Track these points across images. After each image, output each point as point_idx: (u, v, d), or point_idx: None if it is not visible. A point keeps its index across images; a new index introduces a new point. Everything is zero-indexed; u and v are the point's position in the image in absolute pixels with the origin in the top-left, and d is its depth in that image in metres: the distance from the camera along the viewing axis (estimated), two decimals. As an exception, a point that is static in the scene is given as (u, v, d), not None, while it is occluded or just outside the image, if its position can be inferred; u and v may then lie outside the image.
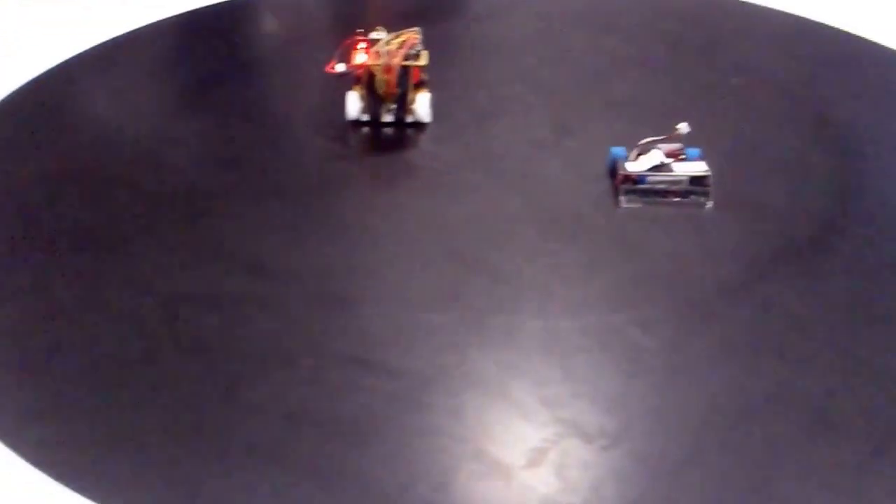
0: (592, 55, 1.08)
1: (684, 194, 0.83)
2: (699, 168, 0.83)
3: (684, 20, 1.18)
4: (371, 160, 0.91)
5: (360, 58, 0.89)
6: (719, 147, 0.88)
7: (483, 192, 0.85)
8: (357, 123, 0.93)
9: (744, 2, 1.24)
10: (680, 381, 0.65)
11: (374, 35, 0.90)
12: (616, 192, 0.83)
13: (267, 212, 0.82)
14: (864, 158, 0.90)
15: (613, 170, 0.84)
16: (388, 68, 0.88)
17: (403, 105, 0.92)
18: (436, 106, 0.93)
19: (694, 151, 0.84)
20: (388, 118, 0.93)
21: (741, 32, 1.17)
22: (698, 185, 0.82)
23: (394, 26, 0.91)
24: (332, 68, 0.90)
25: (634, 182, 0.83)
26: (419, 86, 0.91)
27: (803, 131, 0.94)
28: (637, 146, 0.84)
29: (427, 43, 0.91)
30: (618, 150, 0.85)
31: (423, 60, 0.90)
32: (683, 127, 0.83)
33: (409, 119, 0.93)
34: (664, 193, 0.83)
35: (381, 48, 0.88)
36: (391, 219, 0.81)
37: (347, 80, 0.92)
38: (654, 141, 0.84)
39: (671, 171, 0.83)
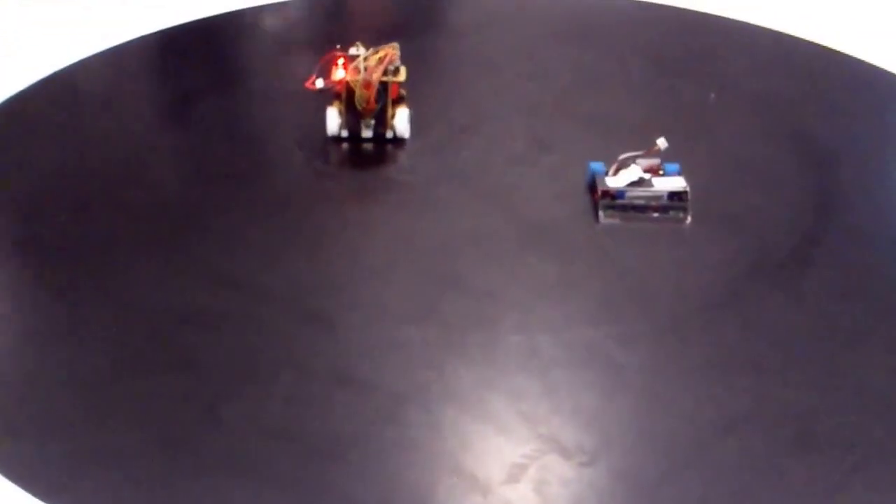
0: (571, 70, 1.08)
1: (663, 209, 0.83)
2: (678, 183, 0.83)
3: (663, 36, 1.18)
4: (350, 176, 0.91)
5: (339, 74, 0.89)
6: (698, 162, 0.88)
7: (462, 208, 0.84)
8: (337, 139, 0.92)
9: (722, 17, 1.25)
10: (659, 397, 0.65)
11: (352, 51, 0.90)
12: (595, 208, 0.83)
13: (247, 227, 0.81)
14: (842, 173, 0.91)
15: (592, 185, 0.84)
16: (367, 84, 0.88)
17: (383, 121, 0.91)
18: (415, 121, 0.93)
19: (672, 167, 0.84)
20: (367, 134, 0.92)
21: (720, 48, 1.18)
22: (677, 200, 0.83)
23: (372, 42, 0.91)
24: (312, 84, 0.90)
25: (613, 197, 0.83)
26: (398, 101, 0.91)
27: (781, 146, 0.95)
28: (616, 161, 0.84)
29: (406, 58, 0.91)
30: (596, 166, 0.85)
31: (402, 76, 0.90)
32: (662, 142, 0.83)
33: (389, 135, 0.92)
34: (643, 209, 0.83)
35: (360, 64, 0.88)
36: (370, 234, 0.81)
37: (327, 96, 0.91)
38: (632, 156, 0.84)
39: (650, 186, 0.83)
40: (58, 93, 1.03)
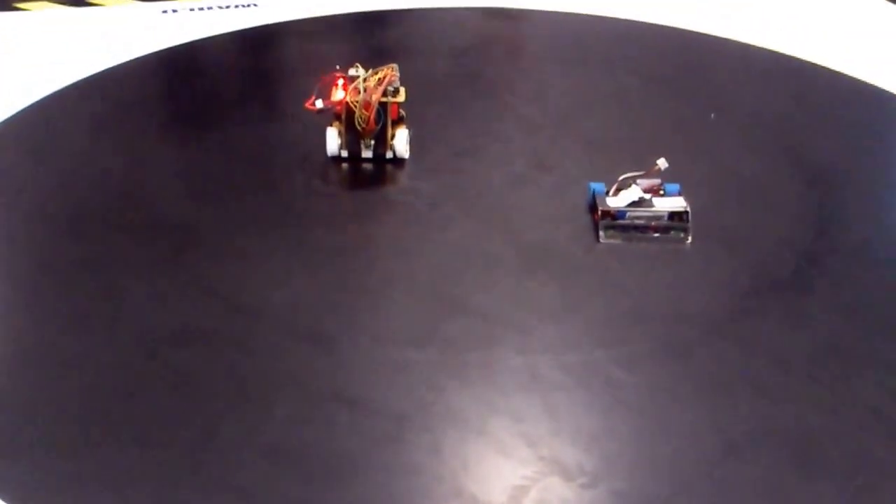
0: (569, 90, 1.09)
1: (664, 230, 0.83)
2: (678, 203, 0.83)
3: (661, 56, 1.19)
4: (350, 196, 0.91)
5: (339, 94, 0.89)
6: (698, 181, 0.88)
7: (462, 228, 0.84)
8: (337, 159, 0.93)
9: (720, 37, 1.25)
10: (661, 419, 0.65)
11: (352, 72, 0.90)
12: (596, 228, 0.83)
13: (246, 247, 0.81)
14: (842, 192, 0.91)
15: (593, 205, 0.84)
16: (366, 105, 0.88)
17: (382, 141, 0.92)
18: (414, 142, 0.93)
19: (673, 187, 0.84)
20: (367, 154, 0.93)
21: (718, 67, 1.18)
22: (677, 220, 0.83)
23: (372, 63, 0.91)
24: (312, 105, 0.90)
25: (614, 217, 0.83)
26: (398, 122, 0.92)
27: (781, 165, 0.95)
28: (616, 182, 0.84)
29: (405, 79, 0.91)
30: (597, 186, 0.85)
31: (402, 97, 0.90)
32: (662, 162, 0.83)
33: (389, 155, 0.93)
34: (644, 229, 0.83)
35: (360, 85, 0.88)
36: (370, 255, 0.81)
37: (327, 117, 0.92)
38: (633, 176, 0.84)
39: (651, 206, 0.83)
40: (55, 114, 1.03)
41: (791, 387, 0.67)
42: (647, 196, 0.83)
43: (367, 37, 1.29)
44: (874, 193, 0.92)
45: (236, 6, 1.35)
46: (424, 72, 1.14)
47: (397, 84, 0.90)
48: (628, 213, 0.83)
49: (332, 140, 0.92)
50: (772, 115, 1.05)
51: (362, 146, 0.92)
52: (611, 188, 0.84)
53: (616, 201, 0.83)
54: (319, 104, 0.90)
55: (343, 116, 0.90)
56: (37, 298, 0.75)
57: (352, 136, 0.91)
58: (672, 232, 0.83)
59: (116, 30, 1.26)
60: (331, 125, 0.92)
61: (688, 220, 0.82)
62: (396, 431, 0.63)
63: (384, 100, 0.89)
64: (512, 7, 1.37)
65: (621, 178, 0.84)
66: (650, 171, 0.84)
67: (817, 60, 1.18)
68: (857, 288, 0.78)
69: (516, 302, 0.75)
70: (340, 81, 0.89)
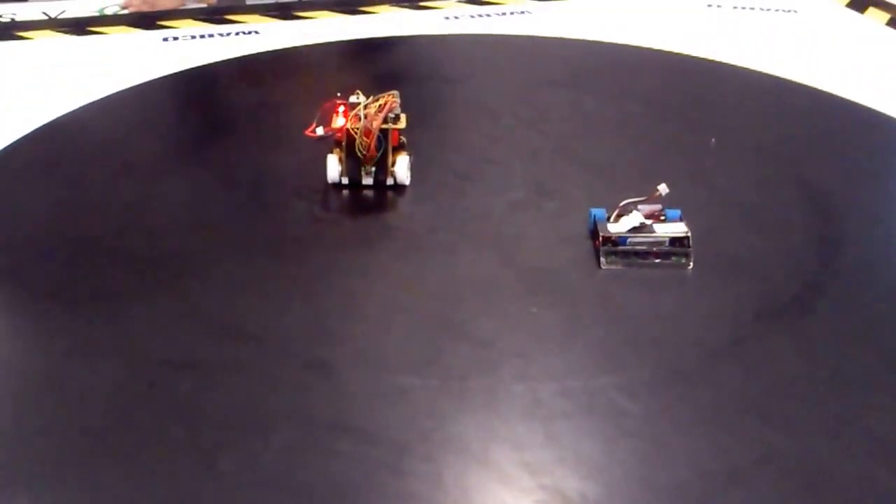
0: (570, 116, 1.09)
1: (665, 255, 0.83)
2: (679, 229, 0.83)
3: (662, 81, 1.19)
4: (350, 223, 0.90)
5: (340, 121, 0.89)
6: (699, 207, 0.88)
7: (462, 255, 0.84)
8: (337, 186, 0.93)
9: (720, 62, 1.26)
10: (664, 446, 0.64)
11: (352, 99, 0.91)
12: (597, 253, 0.83)
13: (246, 274, 0.81)
14: (843, 217, 0.90)
15: (594, 231, 0.84)
16: (367, 131, 0.88)
17: (383, 168, 0.92)
18: (414, 168, 0.93)
19: (674, 212, 0.84)
20: (367, 181, 0.93)
21: (719, 93, 1.18)
22: (679, 245, 0.82)
23: (372, 90, 0.91)
24: (312, 132, 0.90)
25: (615, 243, 0.82)
26: (398, 148, 0.92)
27: (782, 190, 0.95)
28: (617, 207, 0.84)
29: (405, 105, 0.91)
30: (598, 212, 0.85)
31: (402, 123, 0.90)
32: (663, 188, 0.83)
33: (389, 181, 0.93)
34: (645, 255, 0.82)
35: (360, 111, 0.89)
36: (370, 281, 0.81)
37: (328, 144, 0.92)
38: (634, 202, 0.84)
39: (652, 231, 0.83)
40: (56, 141, 1.03)
41: (795, 413, 0.67)
42: (649, 222, 0.83)
43: (365, 64, 1.30)
44: (876, 218, 0.91)
45: (237, 33, 1.36)
46: (424, 98, 1.14)
47: (398, 111, 0.90)
48: (629, 239, 0.82)
49: (333, 167, 0.92)
50: (773, 140, 1.05)
51: (363, 173, 0.92)
52: (612, 213, 0.84)
53: (617, 227, 0.83)
54: (320, 131, 0.90)
55: (344, 143, 0.90)
56: (36, 327, 0.75)
57: (352, 163, 0.91)
58: (673, 258, 0.82)
59: (118, 57, 1.27)
60: (331, 152, 0.92)
61: (689, 246, 0.82)
62: (397, 461, 0.62)
63: (385, 126, 0.89)
64: (511, 34, 1.37)
65: (622, 203, 0.84)
66: (651, 197, 0.83)
67: (819, 85, 1.18)
68: (860, 313, 0.77)
69: (517, 328, 0.75)
70: (341, 108, 0.90)
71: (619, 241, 0.82)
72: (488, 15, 1.46)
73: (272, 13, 1.45)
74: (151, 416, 0.66)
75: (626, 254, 0.82)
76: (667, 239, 0.82)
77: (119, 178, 0.95)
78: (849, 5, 1.49)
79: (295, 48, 1.31)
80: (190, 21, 1.41)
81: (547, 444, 0.64)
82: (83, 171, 0.97)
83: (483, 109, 1.11)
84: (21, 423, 0.65)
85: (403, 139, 0.91)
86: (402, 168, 0.92)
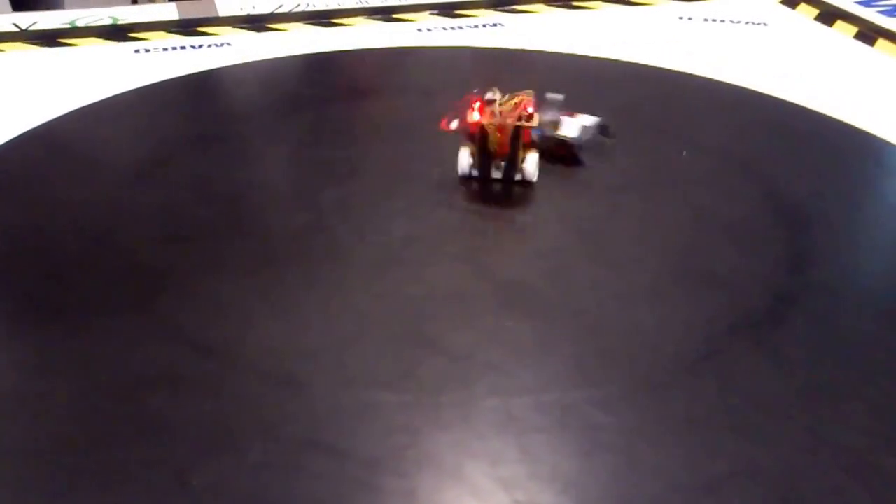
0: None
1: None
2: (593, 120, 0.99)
3: (634, 94, 1.20)
4: (324, 238, 0.90)
5: (475, 116, 0.91)
6: (673, 220, 0.88)
7: (436, 268, 0.84)
8: (467, 178, 0.96)
9: (692, 75, 1.27)
10: (638, 460, 0.64)
11: (489, 95, 0.93)
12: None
13: (218, 290, 0.80)
14: (815, 230, 0.91)
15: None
16: (501, 128, 0.91)
17: (513, 164, 0.94)
18: (390, 181, 0.93)
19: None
20: (496, 175, 0.95)
21: (690, 105, 1.19)
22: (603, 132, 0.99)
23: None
24: (447, 126, 0.93)
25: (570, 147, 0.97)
26: (529, 146, 0.94)
27: (755, 204, 0.95)
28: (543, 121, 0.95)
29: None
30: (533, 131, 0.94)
31: (535, 122, 0.93)
32: (554, 96, 0.96)
33: (518, 177, 0.95)
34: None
35: (496, 108, 0.91)
36: (343, 296, 0.80)
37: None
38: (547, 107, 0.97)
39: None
40: (28, 154, 1.02)
41: (768, 426, 0.67)
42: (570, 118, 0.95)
43: (338, 76, 1.30)
44: (846, 230, 0.92)
45: (209, 45, 1.35)
46: (397, 110, 1.14)
47: (531, 110, 0.93)
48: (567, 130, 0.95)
49: (465, 159, 0.94)
50: (744, 152, 1.05)
51: (493, 167, 0.94)
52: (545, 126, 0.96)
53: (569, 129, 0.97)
54: (454, 125, 0.92)
55: (477, 138, 0.92)
56: (8, 342, 0.74)
57: (483, 158, 0.94)
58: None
59: (89, 69, 1.26)
60: (463, 146, 0.94)
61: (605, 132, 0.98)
62: (370, 477, 0.62)
63: (518, 124, 0.91)
64: (484, 46, 1.38)
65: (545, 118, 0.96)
66: (546, 103, 0.97)
67: (788, 98, 1.19)
68: (832, 325, 0.78)
69: (492, 342, 0.74)
70: (476, 104, 0.92)
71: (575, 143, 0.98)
72: (461, 27, 1.46)
73: (244, 25, 1.44)
74: (121, 433, 0.65)
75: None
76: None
77: (91, 191, 0.94)
78: (817, 18, 1.51)
79: (267, 60, 1.31)
80: (162, 33, 1.40)
81: (521, 458, 0.63)
82: (54, 185, 0.96)
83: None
84: (-13, 441, 0.64)
85: (535, 137, 0.94)
86: (531, 164, 0.94)
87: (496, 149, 0.92)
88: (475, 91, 0.93)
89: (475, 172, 0.95)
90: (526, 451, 0.64)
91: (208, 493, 0.60)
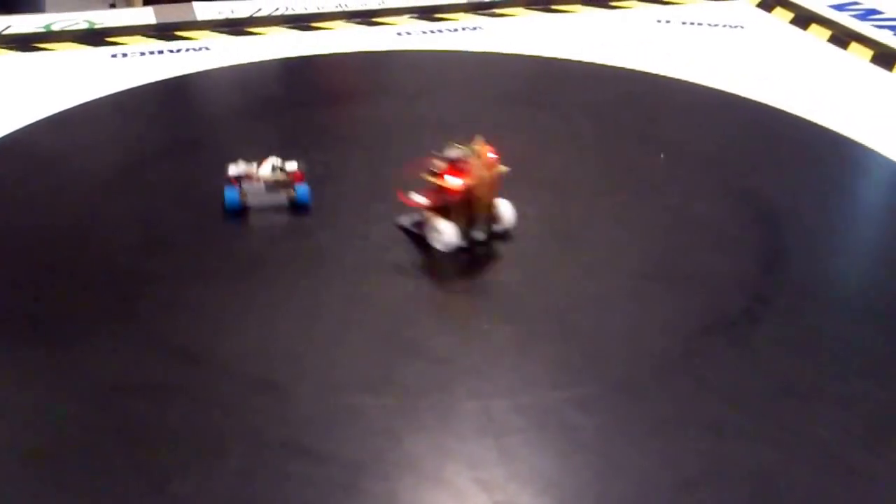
0: (522, 132, 1.09)
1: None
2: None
3: (613, 97, 1.20)
4: (303, 243, 0.90)
5: (455, 181, 0.81)
6: (649, 222, 0.89)
7: (415, 273, 0.84)
8: (453, 250, 0.85)
9: (670, 78, 1.28)
10: (616, 459, 0.65)
11: (453, 154, 0.81)
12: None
13: (198, 296, 0.80)
14: (789, 231, 0.92)
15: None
16: (486, 184, 0.82)
17: (490, 216, 0.86)
18: (370, 185, 0.93)
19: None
20: (480, 237, 0.86)
21: (669, 108, 1.20)
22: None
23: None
24: (410, 200, 0.83)
25: None
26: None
27: (730, 204, 0.96)
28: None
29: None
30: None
31: (503, 168, 0.84)
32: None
33: (497, 229, 0.87)
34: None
35: (477, 168, 0.81)
36: (323, 301, 0.80)
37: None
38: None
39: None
40: (2, 160, 1.02)
41: (743, 424, 0.68)
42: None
43: (318, 80, 1.30)
44: (820, 230, 0.93)
45: (187, 50, 1.35)
46: (379, 115, 1.14)
47: (493, 155, 0.83)
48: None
49: (451, 232, 0.84)
50: (721, 154, 1.06)
51: (476, 228, 0.85)
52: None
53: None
54: (419, 199, 0.83)
55: (460, 203, 0.82)
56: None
57: (468, 221, 0.84)
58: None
59: (65, 74, 1.25)
60: (435, 218, 0.83)
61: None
62: (352, 480, 0.62)
63: (498, 172, 0.83)
64: (463, 50, 1.38)
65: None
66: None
67: (764, 100, 1.20)
68: (806, 326, 0.79)
69: (471, 346, 0.75)
70: (443, 166, 0.81)
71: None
72: (440, 31, 1.47)
73: (223, 29, 1.44)
74: (103, 440, 0.65)
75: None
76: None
77: (68, 197, 0.94)
78: (792, 22, 1.52)
79: (246, 64, 1.31)
80: (139, 37, 1.39)
81: (500, 460, 0.64)
82: (30, 191, 0.96)
83: (434, 126, 1.11)
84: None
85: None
86: (508, 211, 0.86)
87: (481, 208, 0.83)
88: (433, 152, 0.83)
89: (462, 243, 0.85)
90: (505, 453, 0.64)
91: (190, 499, 0.60)
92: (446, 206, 0.82)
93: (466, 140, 0.82)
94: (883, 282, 0.85)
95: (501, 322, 0.78)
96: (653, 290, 0.82)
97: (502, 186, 0.85)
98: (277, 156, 0.91)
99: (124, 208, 0.93)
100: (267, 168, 0.89)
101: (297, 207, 0.90)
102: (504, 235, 0.87)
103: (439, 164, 0.81)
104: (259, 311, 0.78)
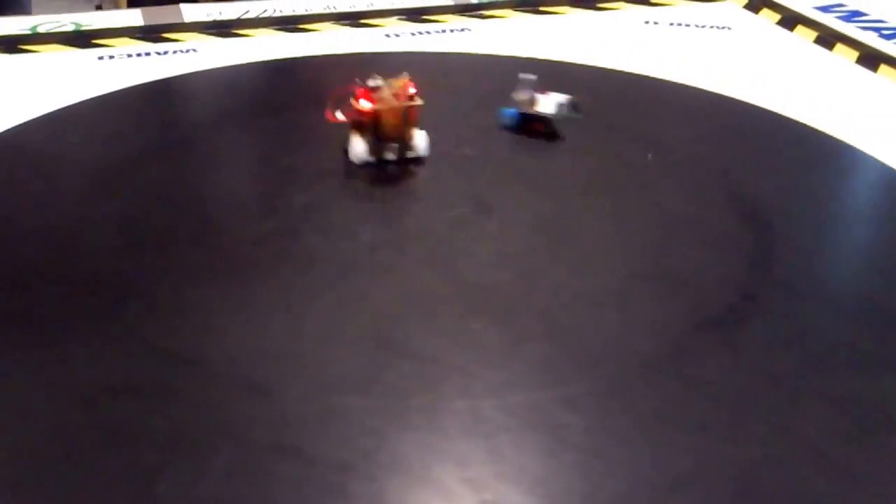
0: (510, 133, 1.09)
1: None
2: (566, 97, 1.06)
3: (600, 98, 1.21)
4: (290, 242, 0.90)
5: (365, 104, 0.95)
6: (637, 221, 0.89)
7: (403, 271, 0.84)
8: (363, 165, 0.98)
9: (658, 79, 1.28)
10: (604, 458, 0.65)
11: (371, 83, 0.96)
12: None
13: (183, 297, 0.80)
14: (776, 230, 0.92)
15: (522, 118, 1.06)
16: (393, 112, 0.95)
17: (404, 143, 0.99)
18: (356, 186, 0.93)
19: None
20: (391, 157, 0.99)
21: (656, 108, 1.20)
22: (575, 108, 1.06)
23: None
24: (333, 117, 0.96)
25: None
26: (413, 125, 0.98)
27: (718, 204, 0.96)
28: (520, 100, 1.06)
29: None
30: (509, 112, 1.07)
31: (419, 101, 0.97)
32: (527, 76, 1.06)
33: (410, 155, 0.99)
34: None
35: (386, 93, 0.95)
36: (309, 302, 0.80)
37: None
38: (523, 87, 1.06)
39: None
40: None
41: (732, 422, 0.68)
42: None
43: (306, 81, 1.29)
44: (807, 229, 0.94)
45: (175, 52, 1.35)
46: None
47: (413, 91, 0.97)
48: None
49: (360, 146, 0.97)
50: (709, 154, 1.07)
51: (386, 150, 0.98)
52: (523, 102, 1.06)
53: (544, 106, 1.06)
54: (341, 116, 0.96)
55: (370, 124, 0.96)
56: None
57: (377, 142, 0.97)
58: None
59: (51, 76, 1.25)
60: (353, 134, 0.97)
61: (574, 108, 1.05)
62: (340, 481, 0.62)
63: (409, 104, 0.96)
64: (451, 52, 1.38)
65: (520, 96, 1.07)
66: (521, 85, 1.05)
67: (751, 100, 1.21)
68: (793, 324, 0.79)
69: (459, 345, 0.75)
70: (359, 93, 0.95)
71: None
72: (428, 32, 1.47)
73: (210, 31, 1.44)
74: (86, 442, 0.64)
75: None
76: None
77: (53, 200, 0.94)
78: (779, 23, 1.53)
79: (233, 66, 1.30)
80: (126, 39, 1.39)
81: (489, 459, 0.64)
82: (15, 193, 0.95)
83: (427, 126, 1.11)
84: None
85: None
86: (422, 140, 0.99)
87: (389, 132, 0.97)
88: (356, 80, 0.96)
89: (370, 158, 0.98)
90: (493, 452, 0.64)
91: (176, 500, 0.60)
92: (361, 124, 0.96)
93: (392, 75, 0.96)
94: (869, 280, 0.86)
95: (489, 321, 0.78)
96: (641, 289, 0.82)
97: (419, 118, 0.98)
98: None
99: (111, 210, 0.93)
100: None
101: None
102: (417, 161, 1.00)
103: (357, 90, 0.95)
104: (245, 312, 0.78)
